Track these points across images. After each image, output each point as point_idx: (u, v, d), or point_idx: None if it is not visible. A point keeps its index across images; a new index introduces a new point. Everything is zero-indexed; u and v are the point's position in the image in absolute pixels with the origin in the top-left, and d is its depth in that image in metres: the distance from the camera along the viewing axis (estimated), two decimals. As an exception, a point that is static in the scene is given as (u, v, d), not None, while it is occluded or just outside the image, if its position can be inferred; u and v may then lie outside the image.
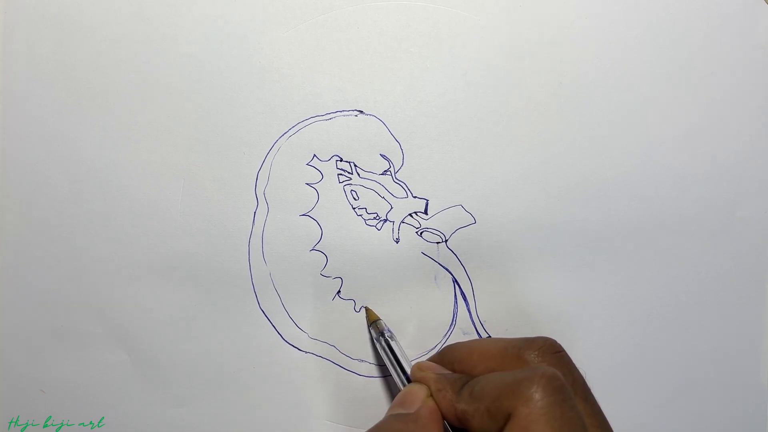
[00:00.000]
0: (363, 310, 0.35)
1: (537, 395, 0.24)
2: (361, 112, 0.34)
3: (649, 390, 0.36)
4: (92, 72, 0.34)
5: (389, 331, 0.34)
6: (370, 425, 0.35)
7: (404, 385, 0.31)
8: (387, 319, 0.35)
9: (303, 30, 0.34)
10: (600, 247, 0.35)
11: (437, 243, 0.35)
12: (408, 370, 0.31)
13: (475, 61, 0.34)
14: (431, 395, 0.28)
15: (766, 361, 0.37)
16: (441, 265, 0.35)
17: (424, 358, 0.35)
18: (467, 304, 0.35)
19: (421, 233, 0.35)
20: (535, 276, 0.35)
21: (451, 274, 0.35)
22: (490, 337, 0.35)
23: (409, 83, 0.34)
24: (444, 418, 0.27)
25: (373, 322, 0.34)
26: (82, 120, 0.34)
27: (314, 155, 0.34)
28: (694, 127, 0.35)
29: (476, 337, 0.35)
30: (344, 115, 0.34)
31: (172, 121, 0.34)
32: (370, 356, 0.35)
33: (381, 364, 0.35)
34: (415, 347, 0.35)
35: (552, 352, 0.27)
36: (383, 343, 0.33)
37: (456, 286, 0.35)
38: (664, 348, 0.36)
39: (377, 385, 0.35)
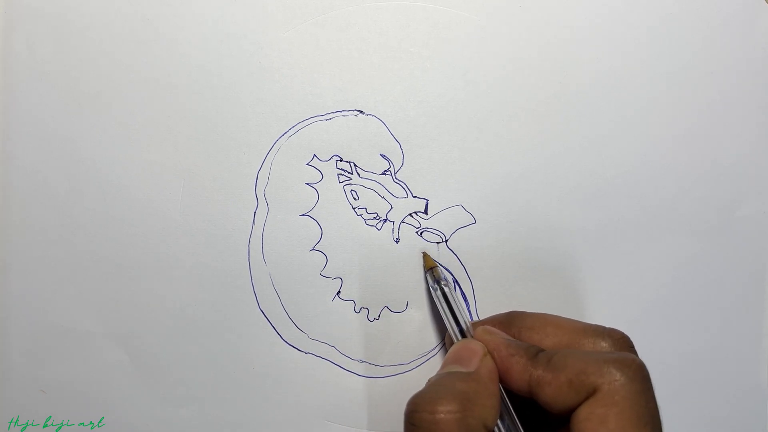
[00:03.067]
0: (362, 310, 0.35)
1: (625, 378, 0.24)
2: (361, 112, 0.34)
3: (649, 390, 0.36)
4: (92, 72, 0.34)
5: (446, 279, 0.33)
6: (371, 425, 0.35)
7: (457, 336, 0.31)
8: (387, 318, 0.35)
9: (303, 30, 0.34)
10: (600, 246, 0.35)
11: (437, 243, 0.35)
12: (462, 323, 0.31)
13: (475, 61, 0.34)
14: (488, 354, 0.28)
15: (766, 361, 0.37)
16: (441, 265, 0.35)
17: (426, 358, 0.35)
18: (467, 304, 0.35)
19: (421, 233, 0.35)
20: (535, 276, 0.35)
21: (451, 274, 0.35)
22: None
23: (409, 83, 0.34)
24: (511, 382, 0.27)
25: (430, 268, 0.33)
26: (82, 120, 0.34)
27: (314, 155, 0.35)
28: (694, 127, 0.36)
29: (476, 337, 0.35)
30: (344, 115, 0.34)
31: (172, 121, 0.34)
32: (369, 356, 0.35)
33: (382, 365, 0.35)
34: (414, 347, 0.35)
35: (628, 346, 0.28)
36: (439, 292, 0.32)
37: (456, 286, 0.35)
38: (664, 348, 0.36)
39: (377, 385, 0.35)
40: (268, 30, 0.34)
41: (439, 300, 0.32)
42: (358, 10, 0.34)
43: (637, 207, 0.36)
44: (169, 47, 0.34)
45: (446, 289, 0.32)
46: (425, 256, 0.34)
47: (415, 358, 0.35)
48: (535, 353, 0.27)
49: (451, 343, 0.31)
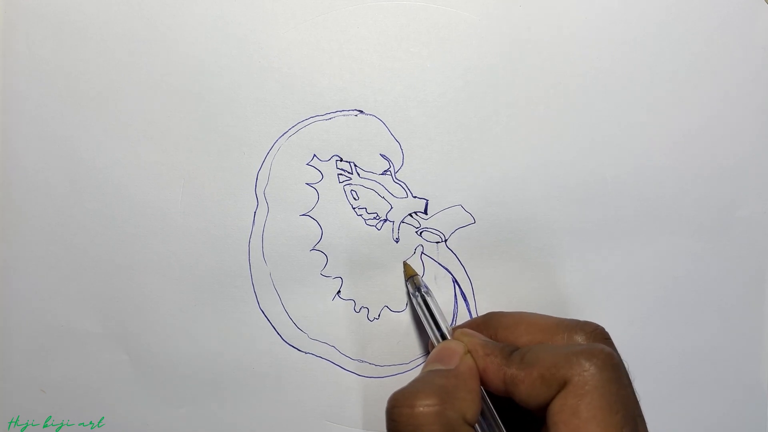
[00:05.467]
0: (362, 309, 0.35)
1: (594, 368, 0.25)
2: (361, 112, 0.34)
3: (649, 390, 0.36)
4: (92, 72, 0.34)
5: (426, 286, 0.33)
6: (370, 425, 0.35)
7: (438, 341, 0.31)
8: (387, 317, 0.35)
9: (303, 30, 0.34)
10: (599, 247, 0.35)
11: (437, 243, 0.35)
12: (442, 327, 0.31)
13: (475, 61, 0.34)
14: (468, 352, 0.28)
15: (766, 361, 0.37)
16: (441, 265, 0.35)
17: (426, 358, 0.35)
18: (467, 304, 0.35)
19: (420, 233, 0.35)
20: (534, 276, 0.35)
21: (451, 274, 0.35)
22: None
23: (409, 83, 0.34)
24: (488, 382, 0.28)
25: (410, 277, 0.34)
26: (82, 120, 0.34)
27: (314, 155, 0.35)
28: (694, 127, 0.36)
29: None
30: (344, 115, 0.34)
31: (172, 121, 0.34)
32: (369, 356, 0.35)
33: (382, 365, 0.35)
34: (414, 347, 0.35)
35: (602, 338, 0.28)
36: (420, 298, 0.33)
37: (456, 285, 0.35)
38: (664, 348, 0.36)
39: (377, 385, 0.35)
40: (268, 30, 0.34)
41: (420, 307, 0.33)
42: (358, 10, 0.34)
43: (638, 207, 0.36)
44: (169, 47, 0.34)
45: (427, 297, 0.33)
46: (405, 265, 0.35)
47: (415, 358, 0.35)
48: (510, 352, 0.27)
49: (433, 347, 0.31)
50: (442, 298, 0.35)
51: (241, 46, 0.34)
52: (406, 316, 0.35)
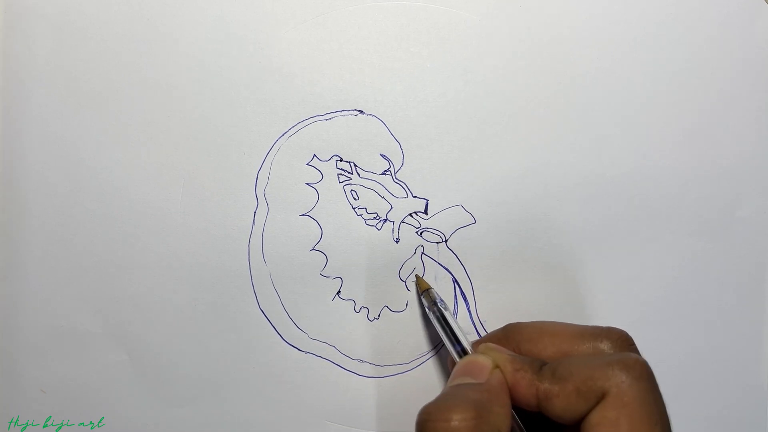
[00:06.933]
0: (362, 309, 0.35)
1: (631, 379, 0.25)
2: (361, 112, 0.34)
3: (649, 390, 0.36)
4: (92, 72, 0.34)
5: (441, 300, 0.33)
6: (370, 425, 0.35)
7: (459, 356, 0.31)
8: (387, 317, 0.35)
9: (303, 30, 0.34)
10: (600, 247, 0.35)
11: (437, 243, 0.35)
12: (463, 342, 0.31)
13: (475, 61, 0.34)
14: (497, 367, 0.28)
15: (766, 361, 0.37)
16: (441, 265, 0.35)
17: (426, 358, 0.35)
18: (467, 304, 0.35)
19: (421, 233, 0.35)
20: (534, 276, 0.35)
21: (451, 274, 0.35)
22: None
23: (409, 83, 0.34)
24: (519, 398, 0.27)
25: (424, 290, 0.34)
26: (82, 120, 0.34)
27: (314, 155, 0.35)
28: (694, 127, 0.36)
29: (476, 337, 0.35)
30: (344, 115, 0.34)
31: (172, 121, 0.34)
32: (369, 356, 0.35)
33: (382, 365, 0.35)
34: (414, 347, 0.35)
35: (628, 344, 0.28)
36: (436, 312, 0.32)
37: (456, 286, 0.35)
38: (664, 348, 0.36)
39: (377, 385, 0.35)
40: (268, 30, 0.34)
41: (439, 321, 0.32)
42: (358, 10, 0.34)
43: (637, 207, 0.36)
44: (169, 47, 0.34)
45: (445, 312, 0.32)
46: (418, 278, 0.35)
47: (415, 357, 0.35)
48: (540, 367, 0.27)
49: (453, 362, 0.31)
50: (443, 298, 0.35)
51: (241, 46, 0.34)
52: (406, 316, 0.35)
